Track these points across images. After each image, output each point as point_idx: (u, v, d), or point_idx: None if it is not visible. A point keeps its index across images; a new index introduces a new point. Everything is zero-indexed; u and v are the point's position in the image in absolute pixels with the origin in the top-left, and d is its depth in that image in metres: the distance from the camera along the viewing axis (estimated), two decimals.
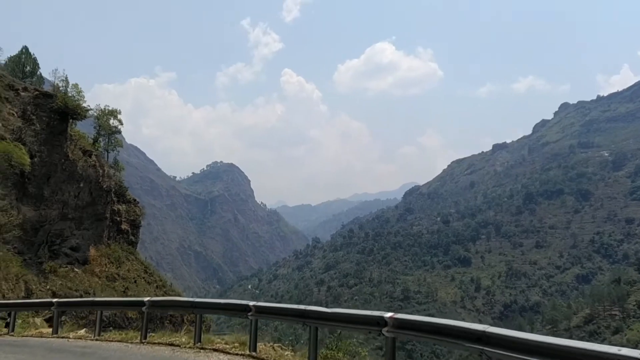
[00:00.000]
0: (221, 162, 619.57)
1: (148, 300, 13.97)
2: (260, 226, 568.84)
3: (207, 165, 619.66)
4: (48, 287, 75.14)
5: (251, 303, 10.27)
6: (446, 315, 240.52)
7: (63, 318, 47.46)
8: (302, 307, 10.16)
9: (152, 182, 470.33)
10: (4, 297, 59.98)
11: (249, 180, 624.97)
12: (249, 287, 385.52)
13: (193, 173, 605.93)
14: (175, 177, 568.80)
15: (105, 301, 15.61)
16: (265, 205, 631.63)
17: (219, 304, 12.19)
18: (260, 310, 11.44)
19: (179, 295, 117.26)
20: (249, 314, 11.37)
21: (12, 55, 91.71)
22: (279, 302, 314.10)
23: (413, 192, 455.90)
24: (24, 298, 67.94)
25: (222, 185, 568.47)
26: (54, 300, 12.82)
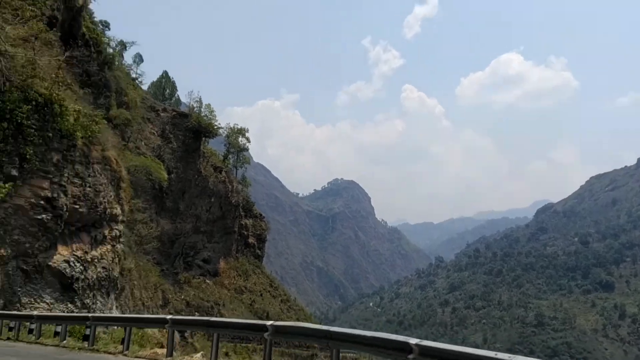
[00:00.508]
0: (342, 179, 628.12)
1: (271, 325, 11.02)
2: (380, 243, 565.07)
3: (328, 182, 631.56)
4: (183, 297, 79.46)
5: (413, 341, 7.76)
6: (586, 345, 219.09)
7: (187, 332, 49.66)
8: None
9: (277, 198, 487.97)
10: (143, 306, 64.08)
11: (370, 197, 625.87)
12: (371, 304, 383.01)
13: (315, 190, 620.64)
14: (298, 193, 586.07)
15: (222, 322, 13.84)
16: (386, 222, 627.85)
17: (366, 337, 8.91)
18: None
19: (302, 311, 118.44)
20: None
21: (154, 80, 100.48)
22: (401, 321, 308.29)
23: (546, 210, 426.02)
24: (161, 307, 72.17)
25: (343, 202, 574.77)
26: (168, 317, 11.32)
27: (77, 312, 34.46)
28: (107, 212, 38.97)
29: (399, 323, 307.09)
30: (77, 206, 35.56)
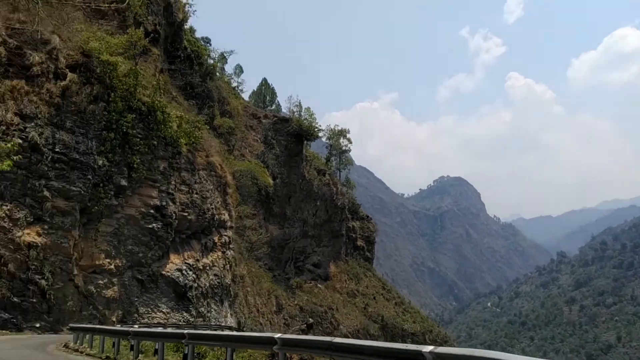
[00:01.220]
0: (448, 176, 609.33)
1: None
2: (494, 241, 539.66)
3: (434, 181, 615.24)
4: (296, 302, 79.00)
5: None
6: None
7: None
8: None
9: (382, 200, 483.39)
10: (258, 312, 64.17)
11: (479, 193, 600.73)
12: (489, 304, 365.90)
13: (420, 189, 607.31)
14: (403, 194, 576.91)
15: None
16: (498, 218, 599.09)
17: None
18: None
19: (418, 313, 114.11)
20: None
21: (254, 89, 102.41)
22: (524, 322, 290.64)
23: None
24: (275, 312, 72.06)
25: (451, 200, 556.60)
26: (277, 336, 9.23)
27: (193, 321, 34.01)
28: (215, 219, 38.48)
29: (522, 324, 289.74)
30: (186, 213, 35.23)
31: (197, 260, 35.91)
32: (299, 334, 42.17)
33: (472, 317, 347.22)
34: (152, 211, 32.46)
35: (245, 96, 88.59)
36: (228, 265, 39.95)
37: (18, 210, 25.60)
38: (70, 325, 18.21)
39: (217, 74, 69.32)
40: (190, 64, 61.17)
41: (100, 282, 29.27)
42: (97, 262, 29.29)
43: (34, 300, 25.60)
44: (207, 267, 36.89)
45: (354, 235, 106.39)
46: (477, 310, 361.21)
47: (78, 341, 16.33)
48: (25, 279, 25.41)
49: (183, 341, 10.23)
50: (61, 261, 27.10)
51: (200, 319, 35.13)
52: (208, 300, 36.49)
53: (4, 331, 24.43)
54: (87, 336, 15.72)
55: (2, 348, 16.57)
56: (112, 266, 29.96)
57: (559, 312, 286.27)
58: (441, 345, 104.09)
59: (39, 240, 26.10)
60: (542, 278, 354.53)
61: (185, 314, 34.07)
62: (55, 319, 26.57)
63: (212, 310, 36.93)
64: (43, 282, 25.89)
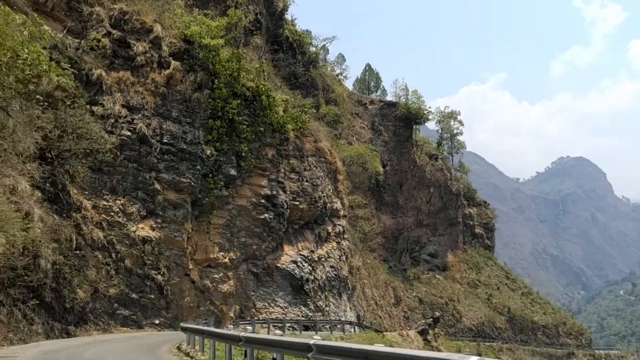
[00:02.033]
0: (568, 156, 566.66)
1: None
2: (625, 224, 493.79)
3: (552, 163, 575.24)
4: (414, 293, 75.41)
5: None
6: None
7: (437, 330, 44.74)
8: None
9: (495, 186, 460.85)
10: (376, 305, 61.60)
11: (604, 173, 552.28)
12: (621, 292, 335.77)
13: (537, 173, 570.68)
14: (519, 178, 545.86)
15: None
16: (628, 199, 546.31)
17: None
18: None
19: (549, 304, 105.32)
20: None
21: (357, 76, 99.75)
22: None
23: None
24: (393, 305, 69.15)
25: (573, 182, 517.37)
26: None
27: (312, 316, 32.13)
28: (327, 207, 36.36)
29: None
30: (297, 202, 33.41)
31: (312, 251, 34.00)
32: (419, 328, 39.15)
33: (603, 306, 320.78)
34: (263, 201, 30.97)
35: (349, 84, 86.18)
36: (344, 257, 37.73)
37: (131, 205, 25.03)
38: (182, 325, 16.74)
39: (320, 62, 67.55)
40: (292, 54, 59.89)
41: (216, 276, 28.20)
42: (211, 256, 28.26)
43: (152, 296, 24.92)
44: (323, 259, 34.88)
45: (471, 223, 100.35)
46: (608, 299, 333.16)
47: (190, 343, 14.70)
48: (142, 275, 24.79)
49: (309, 355, 7.81)
50: (176, 255, 26.27)
51: (319, 314, 33.21)
52: (326, 293, 34.48)
53: (124, 328, 23.93)
54: (198, 338, 13.96)
55: (114, 349, 15.33)
56: (227, 259, 28.80)
57: None
58: (576, 337, 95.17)
59: (153, 234, 25.39)
60: None
61: (303, 308, 32.29)
62: (174, 315, 25.78)
63: (331, 303, 34.88)
64: (160, 277, 25.15)
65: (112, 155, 24.26)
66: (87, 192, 23.60)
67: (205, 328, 12.45)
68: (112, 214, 24.29)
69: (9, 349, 15.26)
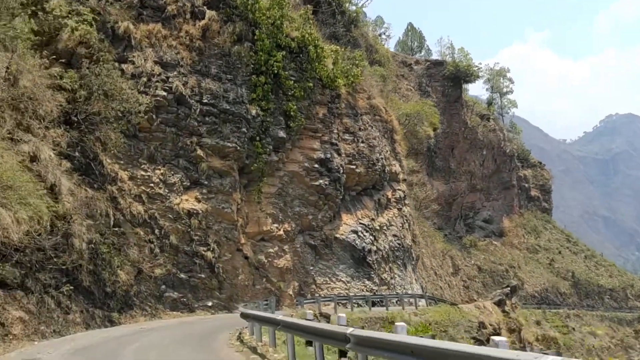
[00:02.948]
0: (616, 114, 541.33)
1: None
2: None
3: (600, 121, 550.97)
4: (472, 262, 71.37)
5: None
6: None
7: (514, 300, 40.94)
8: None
9: (541, 149, 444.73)
10: (435, 275, 58.10)
11: None
12: None
13: (584, 132, 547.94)
14: (565, 140, 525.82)
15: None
16: None
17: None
18: None
19: (614, 266, 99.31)
20: None
21: (399, 37, 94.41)
22: None
23: None
24: (452, 274, 65.52)
25: (623, 140, 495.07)
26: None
27: (377, 291, 29.03)
28: (386, 171, 32.83)
29: None
30: (353, 166, 30.01)
31: (372, 219, 30.66)
32: (496, 299, 35.57)
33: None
34: (316, 165, 27.71)
35: (390, 46, 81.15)
36: (406, 224, 34.26)
37: (172, 174, 22.17)
38: (242, 310, 13.75)
39: (360, 22, 63.15)
40: (332, 13, 55.87)
41: (271, 250, 25.24)
42: (264, 228, 25.28)
43: (203, 275, 22.16)
44: (384, 227, 31.51)
45: (526, 185, 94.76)
46: None
47: (254, 334, 11.69)
48: (190, 252, 22.02)
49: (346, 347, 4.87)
50: (226, 229, 23.39)
51: (384, 287, 30.00)
52: (390, 264, 31.20)
53: (174, 312, 21.30)
54: (269, 328, 10.91)
55: (161, 342, 12.47)
56: (281, 232, 25.79)
57: None
58: None
59: (199, 206, 22.52)
60: None
61: (367, 281, 29.13)
62: (228, 296, 23.03)
63: (396, 276, 31.60)
64: (209, 254, 22.34)
65: (147, 119, 21.39)
66: (122, 162, 20.84)
67: (281, 318, 9.38)
68: (152, 185, 21.49)
69: (38, 345, 12.61)
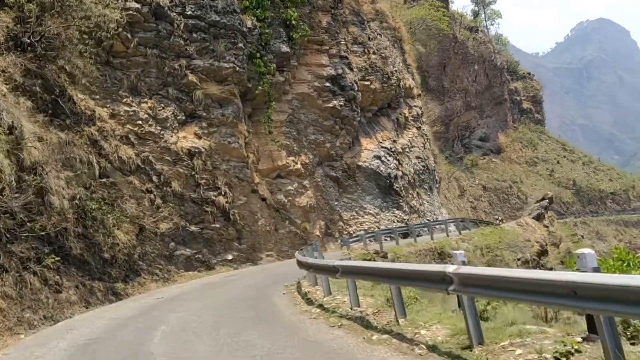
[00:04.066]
0: (587, 21, 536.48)
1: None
2: None
3: (571, 30, 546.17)
4: (476, 181, 68.84)
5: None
6: None
7: (550, 214, 38.22)
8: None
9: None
10: (445, 198, 55.31)
11: (628, 31, 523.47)
12: None
13: (556, 43, 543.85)
14: (537, 53, 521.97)
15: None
16: None
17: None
18: None
19: (613, 170, 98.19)
20: None
21: None
22: None
23: None
24: (458, 196, 62.88)
25: (595, 47, 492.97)
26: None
27: (407, 220, 25.65)
28: (400, 86, 28.73)
29: None
30: (367, 82, 25.86)
31: (394, 141, 26.89)
32: (534, 213, 32.76)
33: (638, 167, 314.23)
34: (327, 84, 23.53)
35: None
36: (427, 143, 30.62)
37: (162, 107, 17.89)
38: (298, 258, 10.15)
39: None
40: None
41: (290, 188, 21.44)
42: (279, 163, 21.35)
43: (217, 225, 18.35)
44: (407, 149, 27.85)
45: (518, 98, 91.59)
46: None
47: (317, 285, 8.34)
48: (198, 199, 18.12)
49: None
50: (235, 168, 19.41)
51: (415, 216, 26.67)
52: (417, 190, 27.74)
53: (191, 272, 17.62)
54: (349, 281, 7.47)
55: (195, 319, 8.70)
56: (299, 165, 21.92)
57: None
58: None
59: (200, 143, 18.41)
60: None
61: (397, 211, 25.69)
62: (249, 246, 19.37)
63: (425, 202, 28.24)
64: (221, 199, 18.45)
65: (120, 40, 16.89)
66: (97, 96, 16.47)
67: (369, 265, 5.99)
68: (140, 122, 17.23)
69: (25, 341, 8.86)
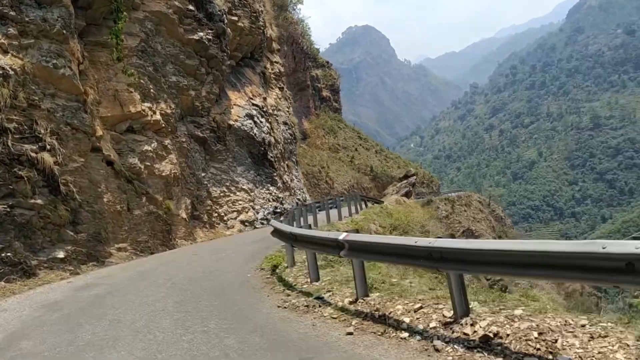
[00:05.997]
0: (355, 26, 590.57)
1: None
2: (408, 84, 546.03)
3: (342, 33, 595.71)
4: None
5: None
6: None
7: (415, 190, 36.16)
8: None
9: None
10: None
11: (388, 39, 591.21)
12: (412, 145, 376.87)
13: (330, 44, 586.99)
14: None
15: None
16: (409, 61, 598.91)
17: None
18: None
19: (400, 158, 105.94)
20: None
21: None
22: (449, 155, 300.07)
23: (579, 9, 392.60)
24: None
25: (362, 50, 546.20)
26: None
27: (282, 199, 20.60)
28: (265, 33, 23.26)
29: (447, 157, 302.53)
30: (235, 17, 19.91)
31: (265, 99, 21.26)
32: (403, 191, 30.38)
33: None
34: (191, 7, 16.87)
35: None
36: (290, 108, 25.65)
37: None
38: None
39: None
40: None
41: (147, 148, 14.36)
42: (131, 110, 14.08)
43: (38, 200, 10.72)
44: (275, 111, 22.47)
45: (318, 85, 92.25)
46: (401, 153, 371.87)
47: None
48: (5, 155, 10.30)
49: None
50: (66, 109, 11.82)
51: (287, 194, 21.58)
52: (287, 162, 22.62)
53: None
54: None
55: None
56: (158, 115, 14.96)
57: (480, 140, 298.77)
58: (428, 185, 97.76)
59: (5, 61, 10.51)
60: (458, 112, 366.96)
61: (271, 187, 20.20)
62: (91, 235, 12.05)
63: (293, 177, 23.29)
64: (46, 156, 10.84)
65: None
66: None
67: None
68: None
69: None
